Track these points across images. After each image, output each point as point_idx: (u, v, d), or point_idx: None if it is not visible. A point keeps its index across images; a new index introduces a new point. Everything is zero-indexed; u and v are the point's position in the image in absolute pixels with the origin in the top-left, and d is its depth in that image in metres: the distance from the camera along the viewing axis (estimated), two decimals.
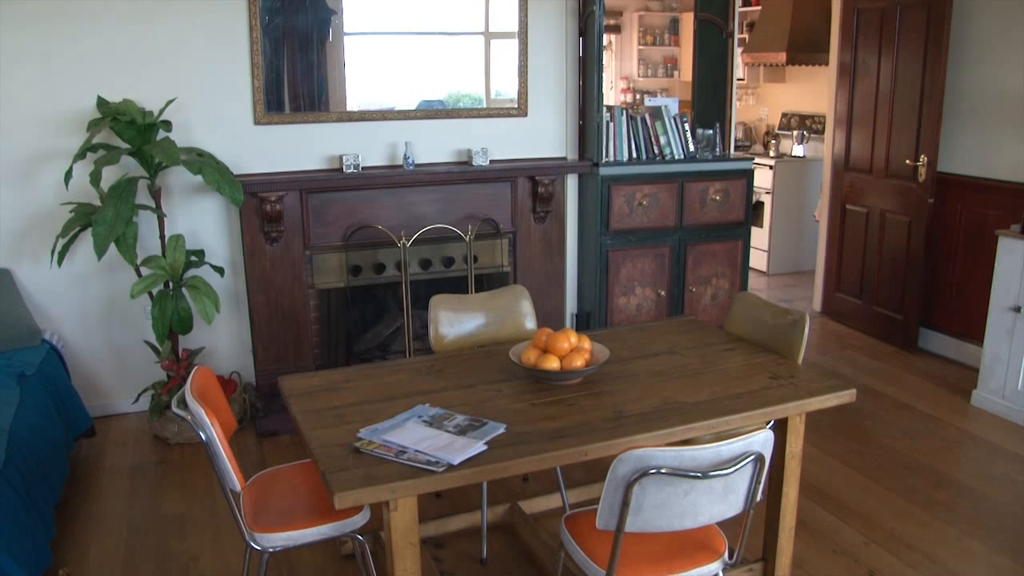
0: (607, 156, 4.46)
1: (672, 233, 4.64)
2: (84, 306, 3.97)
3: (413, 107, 4.28)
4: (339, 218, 4.08)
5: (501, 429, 2.11)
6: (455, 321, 2.96)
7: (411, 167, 4.15)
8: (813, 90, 6.91)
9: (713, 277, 4.80)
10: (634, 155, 4.53)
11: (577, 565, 2.07)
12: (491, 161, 4.34)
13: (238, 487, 2.21)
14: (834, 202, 5.55)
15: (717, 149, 4.77)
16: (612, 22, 7.71)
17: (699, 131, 4.74)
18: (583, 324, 4.71)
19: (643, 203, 4.51)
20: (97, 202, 3.56)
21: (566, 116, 4.56)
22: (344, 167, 4.04)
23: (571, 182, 4.62)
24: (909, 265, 4.89)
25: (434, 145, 4.30)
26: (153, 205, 3.73)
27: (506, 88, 4.44)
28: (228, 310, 4.12)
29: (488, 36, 4.37)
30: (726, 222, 4.75)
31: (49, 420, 3.20)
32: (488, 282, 4.46)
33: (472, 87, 4.39)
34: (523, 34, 4.36)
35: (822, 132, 6.67)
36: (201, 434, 2.13)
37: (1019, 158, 4.33)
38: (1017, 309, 3.87)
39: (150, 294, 3.69)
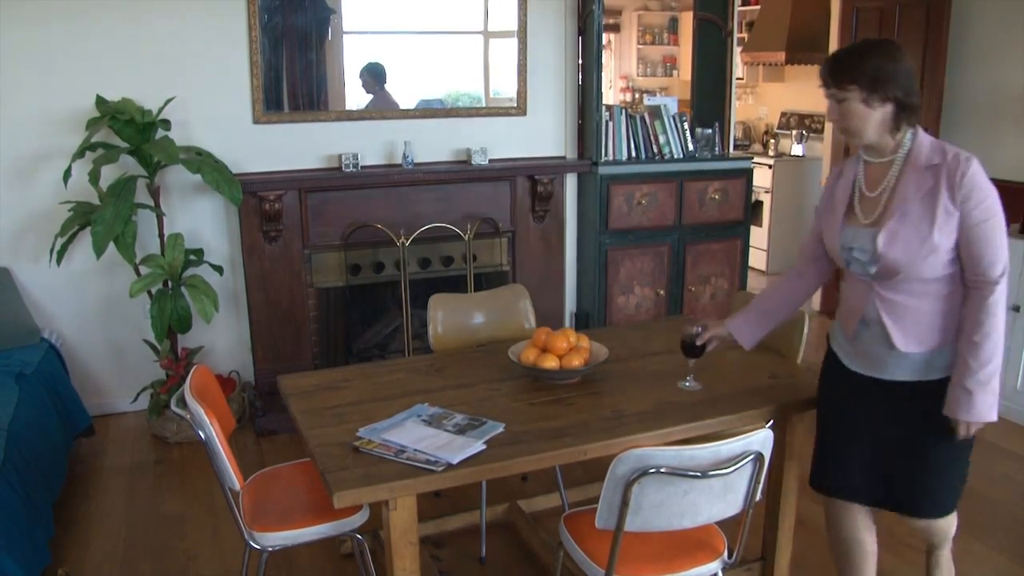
0: (606, 155, 4.45)
1: (671, 232, 4.63)
2: (83, 305, 3.96)
3: (412, 106, 4.27)
4: (338, 217, 4.08)
5: (500, 428, 2.11)
6: (454, 320, 2.96)
7: (410, 166, 4.15)
8: (812, 89, 6.86)
9: (712, 276, 4.80)
10: (633, 154, 4.53)
11: (576, 564, 2.07)
12: (490, 160, 4.34)
13: (237, 486, 2.20)
14: None
15: (716, 148, 4.76)
16: (611, 21, 7.70)
17: (698, 130, 4.74)
18: (582, 323, 4.71)
19: (642, 202, 4.51)
20: (96, 201, 3.55)
21: (565, 115, 4.56)
22: (343, 166, 4.03)
23: (570, 181, 4.61)
24: None
25: (433, 144, 4.30)
26: (152, 204, 3.72)
27: (505, 87, 4.43)
28: (227, 309, 4.12)
29: (487, 35, 4.36)
30: (725, 221, 4.74)
31: (48, 419, 3.20)
32: (487, 281, 4.46)
33: (471, 86, 4.39)
34: (522, 33, 4.35)
35: (821, 131, 6.67)
36: (200, 433, 2.13)
37: (1019, 158, 4.33)
38: (1016, 308, 3.88)
39: (149, 293, 3.69)
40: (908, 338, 2.04)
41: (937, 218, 1.96)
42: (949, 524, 2.24)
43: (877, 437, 2.15)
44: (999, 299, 1.96)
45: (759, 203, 6.72)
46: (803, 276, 2.34)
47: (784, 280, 2.38)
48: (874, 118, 1.99)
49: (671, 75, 7.91)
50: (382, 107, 4.19)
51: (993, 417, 1.99)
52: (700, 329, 2.38)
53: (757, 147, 7.50)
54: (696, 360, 2.40)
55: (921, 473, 2.12)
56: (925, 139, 2.04)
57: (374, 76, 4.17)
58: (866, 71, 1.95)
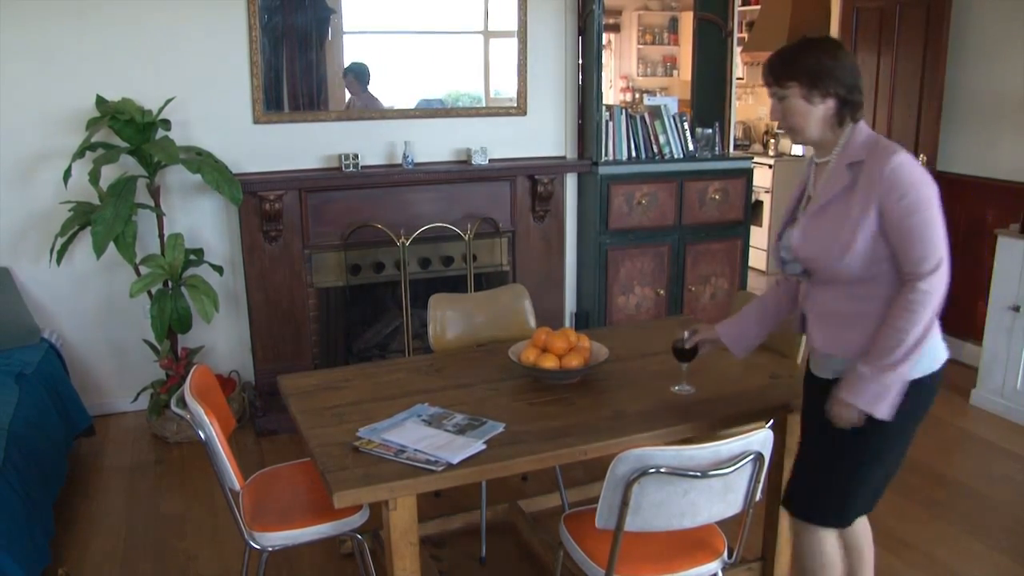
0: (606, 155, 4.45)
1: (671, 232, 4.63)
2: (83, 305, 3.96)
3: (412, 106, 4.27)
4: (338, 217, 4.08)
5: (500, 428, 2.11)
6: (454, 320, 2.96)
7: (410, 166, 4.15)
8: None
9: (712, 276, 4.80)
10: (633, 154, 4.53)
11: (576, 564, 2.07)
12: (490, 160, 4.34)
13: (237, 486, 2.20)
14: None
15: (716, 148, 4.76)
16: (611, 21, 7.70)
17: (698, 130, 4.74)
18: (582, 323, 4.71)
19: (642, 202, 4.51)
20: (96, 201, 3.55)
21: (565, 115, 4.56)
22: (343, 166, 4.03)
23: (570, 181, 4.61)
24: None
25: (433, 144, 4.30)
26: (152, 204, 3.72)
27: (505, 87, 4.43)
28: (227, 309, 4.12)
29: (487, 35, 4.36)
30: (725, 221, 4.74)
31: (48, 419, 3.20)
32: (487, 281, 4.46)
33: (471, 86, 4.39)
34: (522, 33, 4.35)
35: None
36: (200, 433, 2.13)
37: (1019, 158, 4.33)
38: (1016, 308, 3.87)
39: (149, 293, 3.69)
40: (826, 340, 2.03)
41: (850, 216, 1.90)
42: (813, 543, 2.13)
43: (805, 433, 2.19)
44: (922, 299, 1.86)
45: (759, 203, 6.72)
46: (789, 281, 2.28)
47: (773, 287, 2.36)
48: (815, 115, 1.96)
49: (671, 75, 7.90)
50: (367, 108, 4.18)
51: (880, 412, 1.89)
52: (689, 334, 2.36)
53: (757, 147, 7.50)
54: (688, 364, 2.39)
55: (799, 462, 2.17)
56: (861, 134, 1.97)
57: (357, 77, 4.17)
58: (805, 67, 1.92)
